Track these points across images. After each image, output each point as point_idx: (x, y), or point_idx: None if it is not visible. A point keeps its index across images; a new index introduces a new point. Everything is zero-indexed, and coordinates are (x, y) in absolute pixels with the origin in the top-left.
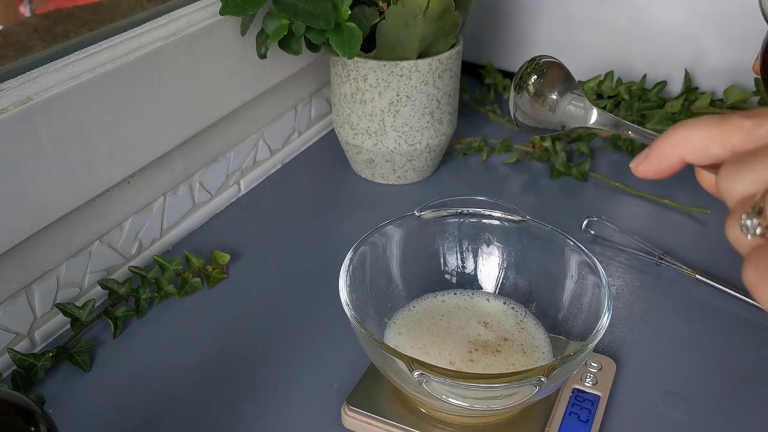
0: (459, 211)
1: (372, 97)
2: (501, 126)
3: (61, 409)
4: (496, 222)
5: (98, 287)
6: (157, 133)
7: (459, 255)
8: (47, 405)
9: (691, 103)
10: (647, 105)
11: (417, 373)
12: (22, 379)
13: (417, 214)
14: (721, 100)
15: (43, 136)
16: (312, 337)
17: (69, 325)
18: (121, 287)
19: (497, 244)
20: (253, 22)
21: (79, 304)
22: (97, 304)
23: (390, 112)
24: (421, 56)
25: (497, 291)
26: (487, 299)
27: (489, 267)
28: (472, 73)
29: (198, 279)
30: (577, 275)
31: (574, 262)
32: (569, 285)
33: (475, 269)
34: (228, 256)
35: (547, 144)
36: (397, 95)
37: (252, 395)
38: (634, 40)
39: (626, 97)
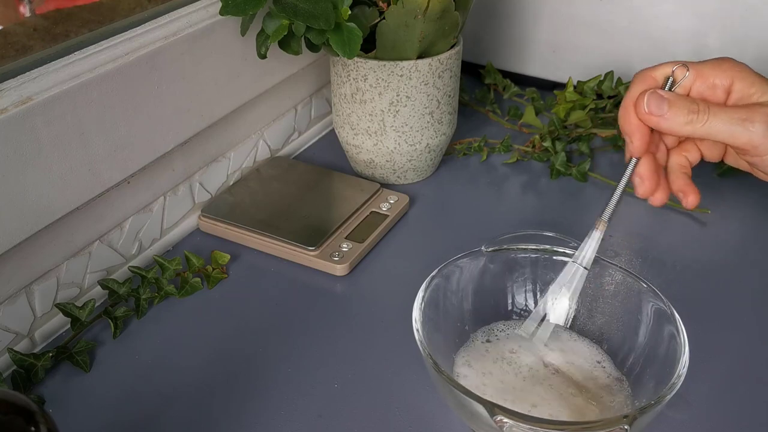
0: (526, 247)
1: (372, 97)
2: (501, 126)
3: (61, 409)
4: (565, 258)
5: (98, 287)
6: (157, 133)
7: (526, 291)
8: (47, 405)
9: None
10: None
11: (497, 418)
12: (22, 379)
13: (484, 250)
14: None
15: (43, 136)
16: (312, 337)
17: (69, 325)
18: (121, 287)
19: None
20: (253, 22)
21: (79, 304)
22: (97, 304)
23: (390, 112)
24: (421, 56)
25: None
26: (553, 333)
27: (557, 303)
28: (472, 73)
29: (198, 279)
30: (651, 320)
31: (648, 307)
32: (642, 330)
33: (544, 305)
34: (228, 256)
35: (547, 144)
36: (397, 95)
37: (252, 395)
38: (634, 40)
39: None
